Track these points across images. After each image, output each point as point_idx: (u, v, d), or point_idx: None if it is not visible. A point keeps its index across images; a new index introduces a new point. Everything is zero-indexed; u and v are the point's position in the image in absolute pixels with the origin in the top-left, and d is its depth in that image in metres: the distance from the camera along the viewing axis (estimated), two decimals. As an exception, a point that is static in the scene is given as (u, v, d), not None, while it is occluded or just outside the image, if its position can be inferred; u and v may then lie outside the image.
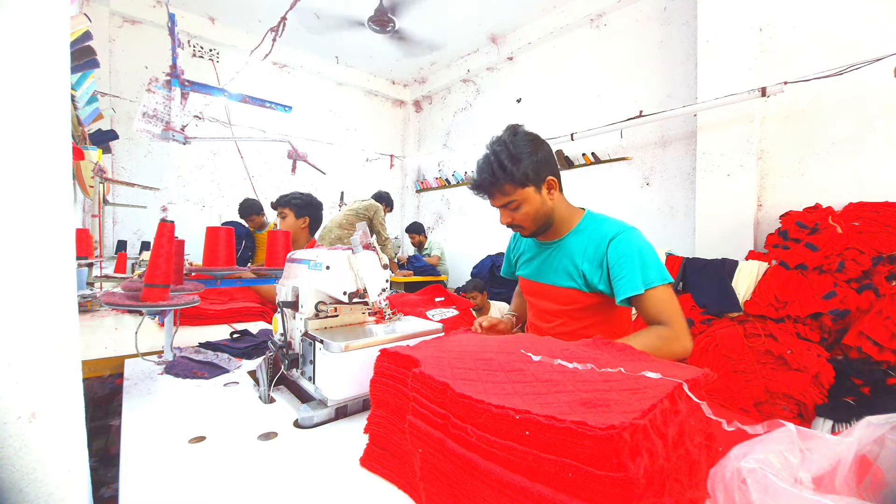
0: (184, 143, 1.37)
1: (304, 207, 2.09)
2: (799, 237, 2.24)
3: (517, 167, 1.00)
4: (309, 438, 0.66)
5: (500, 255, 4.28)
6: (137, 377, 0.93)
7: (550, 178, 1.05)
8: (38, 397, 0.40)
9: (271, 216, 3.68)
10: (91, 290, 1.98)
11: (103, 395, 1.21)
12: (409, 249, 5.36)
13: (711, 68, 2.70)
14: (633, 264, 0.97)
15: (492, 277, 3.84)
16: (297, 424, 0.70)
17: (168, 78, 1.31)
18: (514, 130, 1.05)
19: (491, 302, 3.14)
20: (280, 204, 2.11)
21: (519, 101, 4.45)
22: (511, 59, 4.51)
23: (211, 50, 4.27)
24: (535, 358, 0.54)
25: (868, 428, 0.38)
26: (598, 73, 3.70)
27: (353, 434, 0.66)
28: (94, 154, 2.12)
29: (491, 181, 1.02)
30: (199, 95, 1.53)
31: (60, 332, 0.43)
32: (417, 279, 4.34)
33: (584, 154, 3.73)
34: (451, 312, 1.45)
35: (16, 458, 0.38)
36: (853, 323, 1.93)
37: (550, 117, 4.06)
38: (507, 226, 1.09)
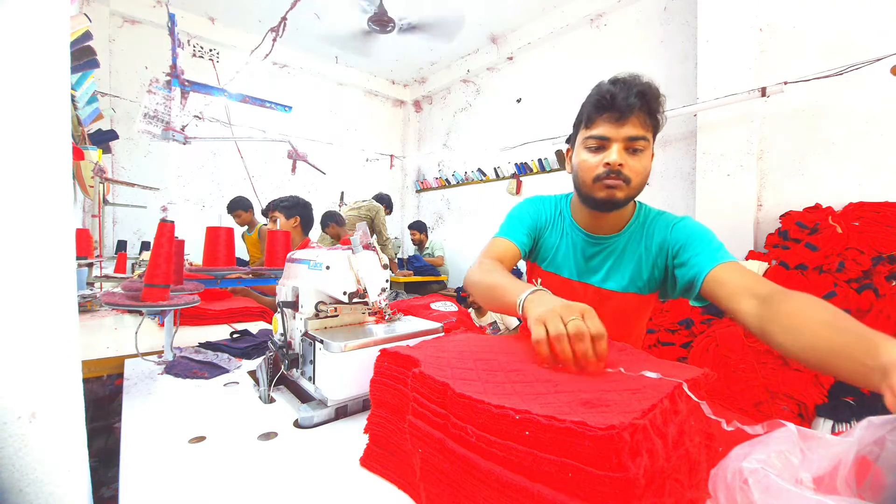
0: (184, 143, 1.37)
1: (293, 208, 2.18)
2: (799, 237, 2.24)
3: (662, 105, 0.85)
4: (309, 438, 0.66)
5: (500, 255, 4.27)
6: (137, 377, 0.92)
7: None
8: (38, 397, 0.40)
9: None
10: (91, 290, 1.98)
11: (104, 396, 1.21)
12: (409, 249, 5.36)
13: (711, 68, 2.70)
14: (706, 240, 0.87)
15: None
16: (297, 424, 0.70)
17: (168, 78, 1.31)
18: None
19: None
20: (269, 209, 2.23)
21: (519, 101, 4.45)
22: (511, 59, 4.51)
23: (211, 50, 4.27)
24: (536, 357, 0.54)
25: (868, 429, 0.38)
26: (598, 73, 3.69)
27: (353, 434, 0.66)
28: (94, 154, 2.12)
29: (646, 95, 0.83)
30: (199, 95, 1.53)
31: (60, 332, 0.43)
32: (417, 279, 4.34)
33: (584, 154, 3.73)
34: (454, 307, 1.46)
35: (16, 458, 0.38)
36: (853, 323, 1.93)
37: (550, 117, 4.06)
38: (611, 170, 0.85)
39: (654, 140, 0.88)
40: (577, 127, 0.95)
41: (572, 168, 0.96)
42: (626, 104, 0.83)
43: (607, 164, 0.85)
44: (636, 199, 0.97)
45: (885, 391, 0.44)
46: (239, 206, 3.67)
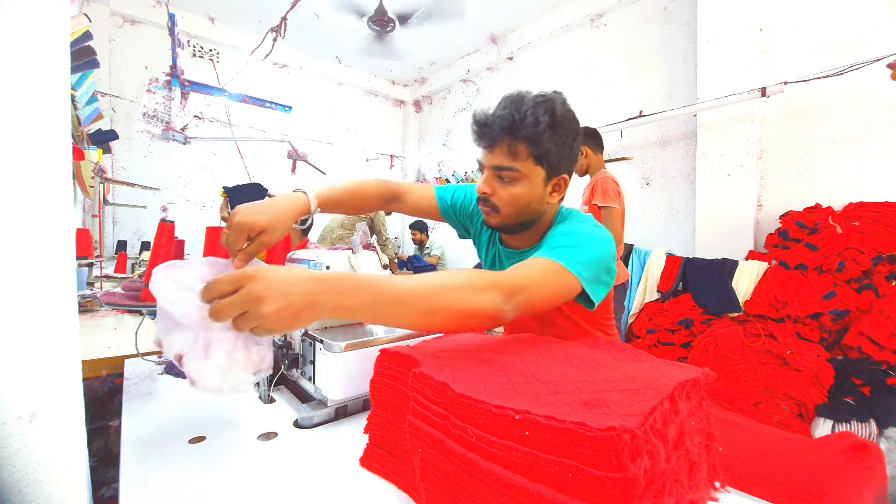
0: (184, 143, 1.37)
1: None
2: (799, 237, 2.24)
3: (548, 135, 0.77)
4: (309, 438, 0.66)
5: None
6: (137, 377, 0.92)
7: (565, 176, 0.84)
8: (38, 397, 0.40)
9: None
10: (91, 290, 1.98)
11: (103, 395, 1.21)
12: (409, 249, 5.35)
13: (711, 68, 2.70)
14: (558, 244, 0.76)
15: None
16: (297, 424, 0.70)
17: (168, 78, 1.31)
18: (565, 100, 0.82)
19: None
20: None
21: (519, 101, 4.45)
22: (511, 59, 4.51)
23: (211, 50, 4.27)
24: (536, 358, 0.54)
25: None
26: (598, 73, 3.69)
27: (353, 434, 0.66)
28: (94, 154, 2.12)
29: (511, 125, 0.76)
30: (199, 95, 1.53)
31: (60, 332, 0.43)
32: (417, 279, 4.33)
33: (584, 154, 3.73)
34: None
35: (16, 458, 0.38)
36: (853, 323, 1.93)
37: (550, 117, 4.05)
38: (480, 196, 0.84)
39: (546, 167, 0.80)
40: None
41: None
42: (489, 134, 0.80)
43: (478, 189, 0.85)
44: (561, 206, 0.90)
45: None
46: None
